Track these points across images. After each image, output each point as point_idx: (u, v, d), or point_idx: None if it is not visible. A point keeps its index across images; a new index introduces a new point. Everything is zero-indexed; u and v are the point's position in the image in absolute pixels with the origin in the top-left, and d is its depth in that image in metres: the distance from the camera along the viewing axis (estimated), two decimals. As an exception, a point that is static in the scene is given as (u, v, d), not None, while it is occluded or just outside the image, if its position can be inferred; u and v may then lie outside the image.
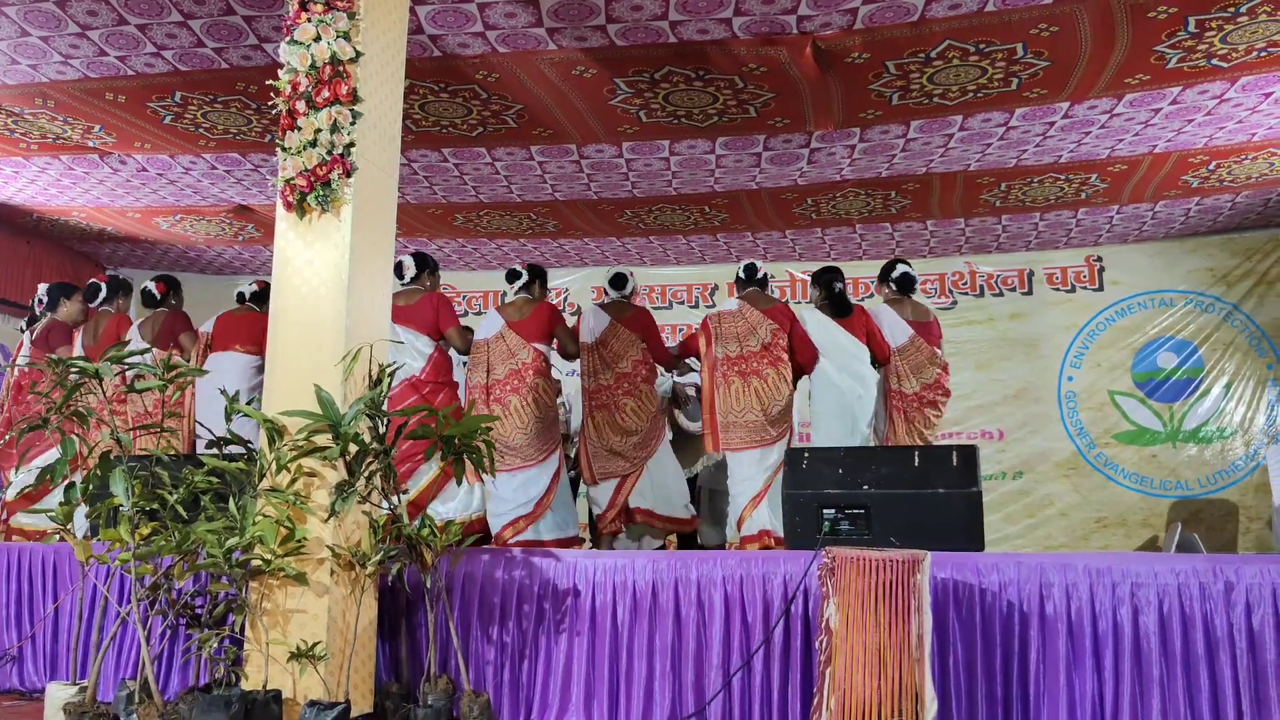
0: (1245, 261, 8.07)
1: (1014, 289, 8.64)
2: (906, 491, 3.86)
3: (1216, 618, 3.31)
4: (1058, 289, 8.54)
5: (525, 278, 5.73)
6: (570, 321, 5.83)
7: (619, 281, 5.85)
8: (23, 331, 6.54)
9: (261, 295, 6.08)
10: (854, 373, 5.60)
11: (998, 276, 8.68)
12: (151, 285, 6.24)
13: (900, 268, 5.96)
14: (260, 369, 5.23)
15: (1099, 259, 8.47)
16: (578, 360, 5.72)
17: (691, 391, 6.70)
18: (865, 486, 3.90)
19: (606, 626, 3.77)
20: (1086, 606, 3.40)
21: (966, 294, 8.72)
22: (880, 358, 5.73)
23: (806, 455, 4.16)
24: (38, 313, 6.44)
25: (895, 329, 5.76)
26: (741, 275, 5.87)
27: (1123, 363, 8.29)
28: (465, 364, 5.77)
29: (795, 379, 5.61)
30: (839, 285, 5.83)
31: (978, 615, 3.45)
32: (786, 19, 4.66)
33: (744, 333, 5.54)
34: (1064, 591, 3.42)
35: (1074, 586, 3.42)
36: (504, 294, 5.87)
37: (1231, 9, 4.53)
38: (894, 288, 5.95)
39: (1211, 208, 7.50)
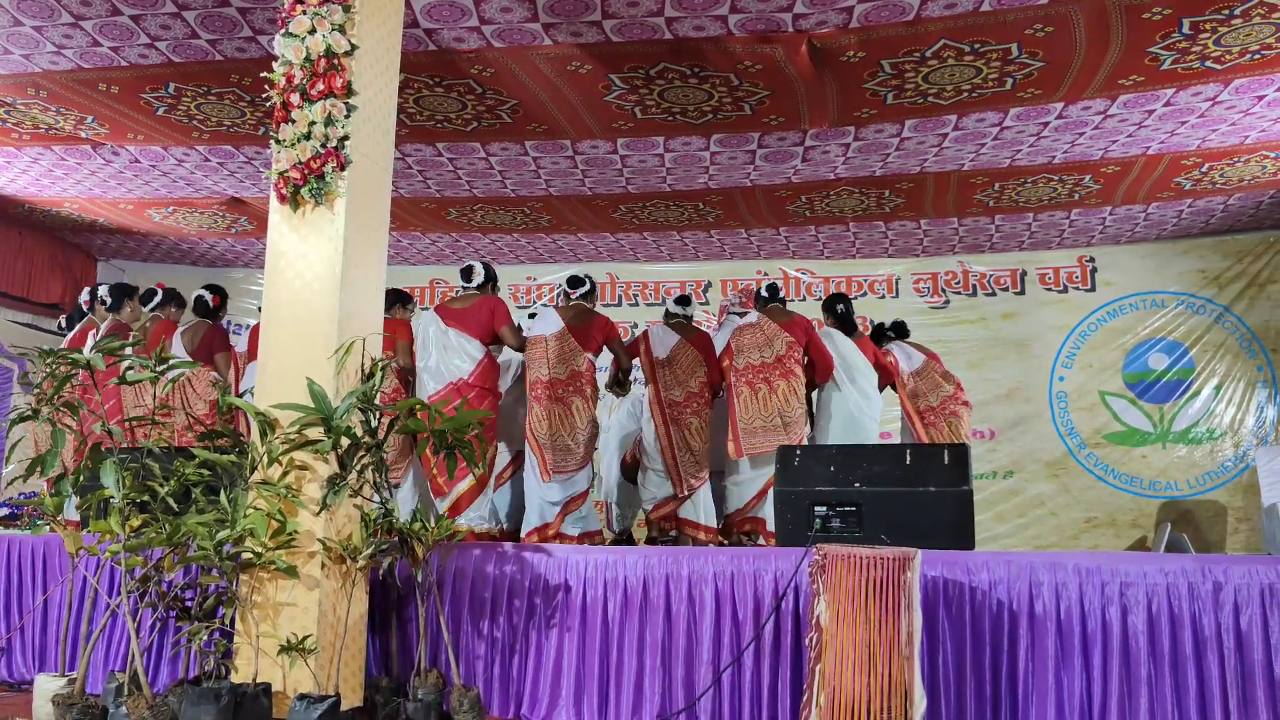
0: (1237, 264, 8.11)
1: (1007, 289, 8.66)
2: (898, 489, 3.87)
3: (1204, 618, 3.33)
4: (1050, 289, 8.57)
5: (587, 286, 5.94)
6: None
7: (684, 301, 6.27)
8: (61, 330, 6.55)
9: None
10: (861, 388, 6.04)
11: (990, 276, 8.70)
12: (207, 295, 6.26)
13: (897, 323, 6.89)
14: None
15: (1091, 260, 8.50)
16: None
17: None
18: (857, 484, 3.91)
19: (597, 622, 3.78)
20: (1075, 606, 3.41)
21: (959, 293, 8.74)
22: (885, 381, 6.36)
23: (798, 453, 4.17)
24: (92, 310, 6.43)
25: (911, 356, 6.51)
26: (764, 294, 6.19)
27: (1114, 363, 8.32)
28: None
29: (809, 392, 5.98)
30: (840, 307, 6.37)
31: (967, 613, 3.46)
32: (782, 17, 4.66)
33: (761, 344, 5.80)
34: (1053, 590, 3.43)
35: (1063, 586, 3.43)
36: (558, 293, 6.15)
37: (1225, 11, 4.54)
38: (894, 335, 6.80)
39: (1204, 210, 7.53)
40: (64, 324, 6.75)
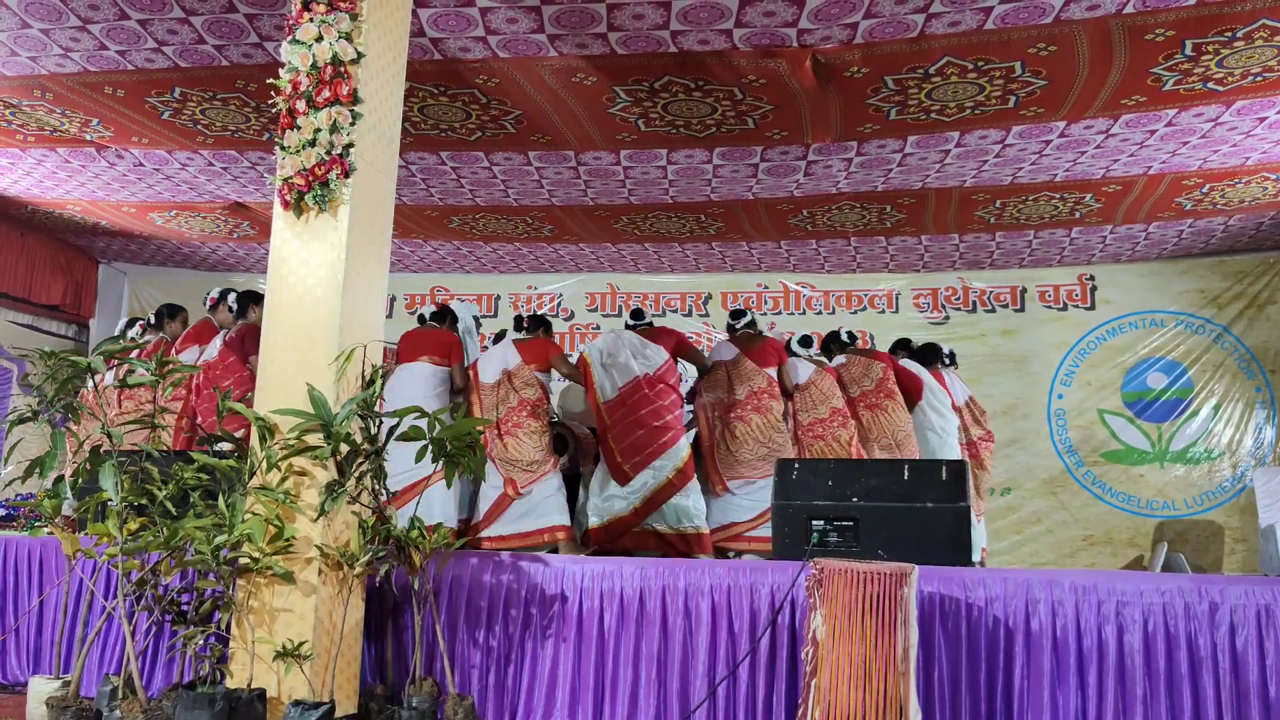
0: (1236, 284, 8.12)
1: (1006, 305, 8.68)
2: (895, 505, 3.88)
3: (1200, 638, 3.33)
4: (1050, 306, 8.58)
5: (749, 316, 6.51)
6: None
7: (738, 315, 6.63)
8: (143, 336, 6.58)
9: (440, 314, 6.35)
10: (939, 411, 6.62)
11: (990, 292, 8.71)
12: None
13: (945, 347, 7.24)
14: (444, 379, 5.86)
15: (1091, 278, 8.51)
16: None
17: None
18: (854, 499, 3.91)
19: (593, 633, 3.77)
20: (1072, 623, 3.41)
21: (959, 309, 8.76)
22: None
23: (796, 466, 4.17)
24: (220, 319, 6.38)
25: (959, 386, 6.98)
26: (845, 339, 6.91)
27: (1113, 382, 8.33)
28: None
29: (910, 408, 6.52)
30: (907, 341, 7.27)
31: (964, 630, 3.46)
32: (787, 32, 4.68)
33: (859, 375, 6.45)
34: (1050, 608, 3.43)
35: (1060, 603, 3.43)
36: (627, 319, 6.51)
37: (1228, 33, 4.56)
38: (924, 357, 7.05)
39: (1204, 230, 7.55)
40: (151, 323, 6.78)
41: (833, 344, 6.92)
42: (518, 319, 6.54)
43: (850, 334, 7.04)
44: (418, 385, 5.68)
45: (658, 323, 8.01)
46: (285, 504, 3.37)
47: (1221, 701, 3.26)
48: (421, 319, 6.37)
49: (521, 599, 3.86)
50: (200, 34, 4.90)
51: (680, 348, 6.18)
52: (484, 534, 5.69)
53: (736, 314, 6.55)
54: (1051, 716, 3.35)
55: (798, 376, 6.29)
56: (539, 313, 6.96)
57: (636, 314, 6.45)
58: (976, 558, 6.50)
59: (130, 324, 7.06)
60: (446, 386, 5.86)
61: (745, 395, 6.03)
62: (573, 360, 6.27)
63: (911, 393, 6.51)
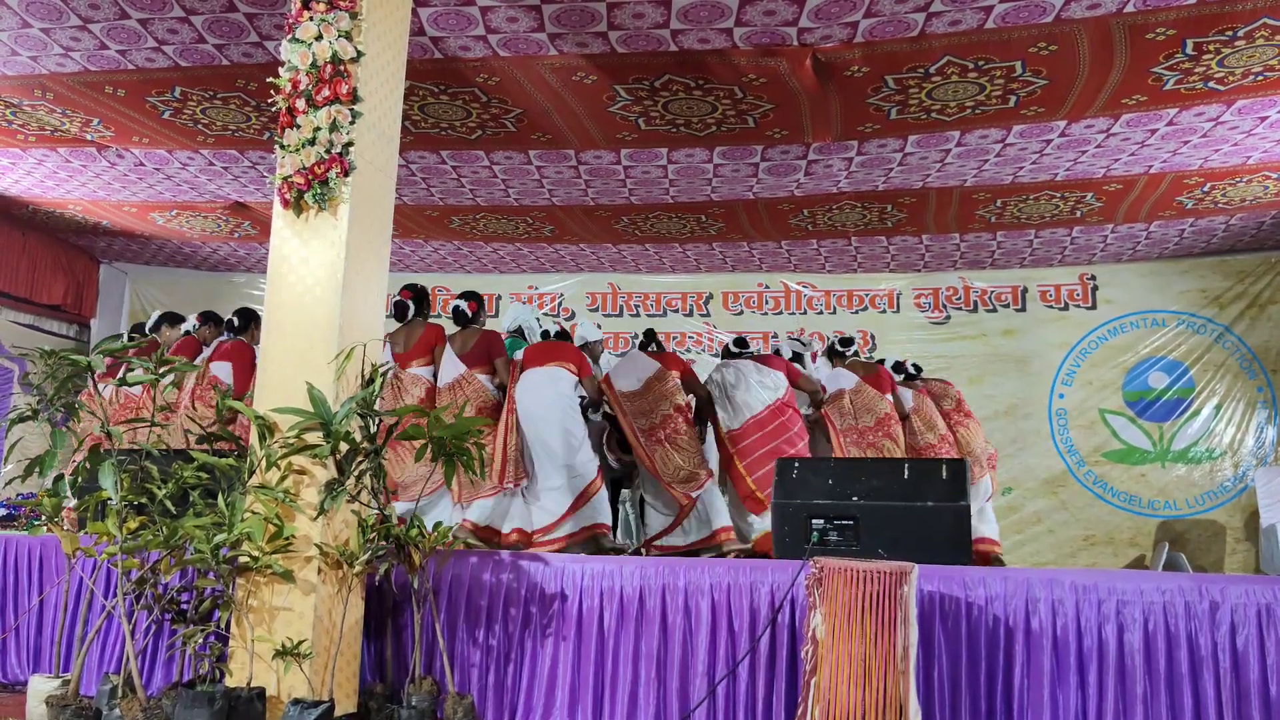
0: (1238, 284, 8.12)
1: (1007, 305, 8.67)
2: (895, 504, 3.87)
3: (1201, 637, 3.32)
4: (1051, 306, 8.58)
5: (857, 343, 6.87)
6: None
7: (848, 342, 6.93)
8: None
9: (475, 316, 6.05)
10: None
11: (991, 292, 8.71)
12: (463, 304, 5.91)
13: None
14: (575, 386, 5.68)
15: (1093, 277, 8.51)
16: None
17: None
18: (854, 498, 3.91)
19: (593, 632, 3.77)
20: (1072, 623, 3.40)
21: (960, 309, 8.75)
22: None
23: (796, 465, 4.17)
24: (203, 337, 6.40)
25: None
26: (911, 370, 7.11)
27: (1114, 381, 8.32)
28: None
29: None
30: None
31: (963, 629, 3.46)
32: (787, 31, 4.68)
33: (940, 394, 6.84)
34: (1050, 607, 3.43)
35: (1060, 602, 3.43)
36: (727, 346, 6.68)
37: (1229, 32, 4.56)
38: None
39: (1205, 229, 7.54)
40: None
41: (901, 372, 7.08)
42: (649, 333, 6.53)
43: (916, 365, 7.27)
44: (559, 385, 5.56)
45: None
46: (285, 503, 3.37)
47: (1222, 700, 3.26)
48: (459, 316, 5.99)
49: (521, 598, 3.86)
50: (200, 33, 4.90)
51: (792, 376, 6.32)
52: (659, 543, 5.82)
53: (846, 341, 6.80)
54: (1052, 715, 3.35)
55: (906, 401, 6.53)
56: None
57: (740, 343, 6.53)
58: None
59: (137, 328, 7.09)
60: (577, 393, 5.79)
61: (874, 423, 6.25)
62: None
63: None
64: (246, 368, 5.84)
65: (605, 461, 6.19)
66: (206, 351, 6.16)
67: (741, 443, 5.95)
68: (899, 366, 7.05)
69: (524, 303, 8.21)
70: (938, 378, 7.47)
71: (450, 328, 5.87)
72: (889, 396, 6.46)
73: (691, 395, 6.11)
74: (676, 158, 6.32)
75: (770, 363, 6.23)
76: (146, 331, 6.87)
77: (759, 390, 6.01)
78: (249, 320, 6.27)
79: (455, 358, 5.57)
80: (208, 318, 6.60)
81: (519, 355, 5.81)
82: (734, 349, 6.48)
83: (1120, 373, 8.32)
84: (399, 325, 5.73)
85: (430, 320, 5.85)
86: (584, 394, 5.78)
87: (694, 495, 5.59)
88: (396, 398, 5.46)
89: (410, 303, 5.77)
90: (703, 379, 6.27)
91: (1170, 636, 3.34)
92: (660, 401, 5.79)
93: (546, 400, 5.44)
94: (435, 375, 5.60)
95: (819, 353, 7.40)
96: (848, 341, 6.84)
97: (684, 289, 9.26)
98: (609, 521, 5.60)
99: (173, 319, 6.86)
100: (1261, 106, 5.35)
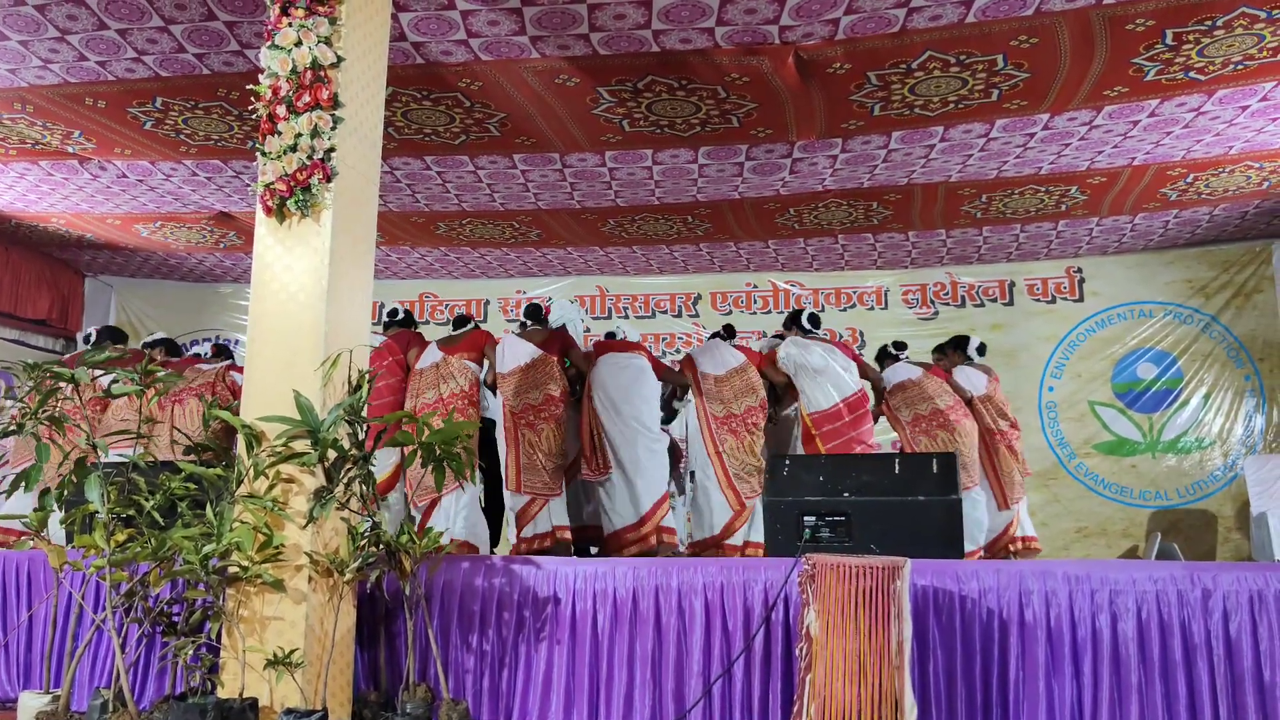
0: (1223, 273, 8.16)
1: (995, 299, 8.70)
2: (886, 499, 3.87)
3: (1194, 625, 3.33)
4: (1038, 300, 8.61)
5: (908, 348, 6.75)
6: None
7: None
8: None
9: (535, 312, 6.26)
10: None
11: (979, 287, 8.73)
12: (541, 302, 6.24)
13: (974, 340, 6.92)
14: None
15: (1079, 270, 8.54)
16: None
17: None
18: (845, 494, 3.91)
19: (587, 634, 3.76)
20: (1065, 613, 3.41)
21: (948, 304, 8.77)
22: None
23: (787, 462, 4.17)
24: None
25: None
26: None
27: (1103, 373, 8.35)
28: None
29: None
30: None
31: (958, 622, 3.46)
32: (769, 29, 4.68)
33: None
34: (1043, 599, 3.43)
35: (1053, 594, 3.43)
36: (616, 330, 6.49)
37: (1208, 22, 4.57)
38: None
39: (1190, 220, 7.57)
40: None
41: (951, 351, 6.95)
42: (728, 328, 6.58)
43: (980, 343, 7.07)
44: (647, 374, 5.85)
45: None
46: (273, 512, 3.35)
47: (1216, 688, 3.27)
48: (535, 311, 6.25)
49: (514, 602, 3.85)
50: (180, 43, 4.87)
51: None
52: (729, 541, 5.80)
53: (899, 345, 6.71)
54: (1047, 707, 3.35)
55: (974, 389, 6.42)
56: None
57: (814, 319, 6.42)
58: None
59: (93, 336, 6.93)
60: None
61: (946, 407, 6.16)
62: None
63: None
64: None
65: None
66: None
67: (823, 427, 5.93)
68: (959, 342, 6.89)
69: (570, 301, 8.18)
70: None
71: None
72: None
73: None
74: (661, 159, 6.32)
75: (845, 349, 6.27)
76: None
77: (843, 375, 6.01)
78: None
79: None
80: (162, 343, 6.71)
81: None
82: (808, 326, 6.35)
83: (1109, 364, 8.35)
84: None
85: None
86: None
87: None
88: (438, 382, 5.68)
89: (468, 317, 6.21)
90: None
91: (1164, 625, 3.34)
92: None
93: (627, 382, 5.74)
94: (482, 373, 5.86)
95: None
96: (901, 345, 6.73)
97: (672, 290, 9.26)
98: None
99: (170, 347, 6.91)
100: (1242, 96, 5.36)
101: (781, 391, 6.18)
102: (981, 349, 6.82)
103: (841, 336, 6.99)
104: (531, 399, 5.63)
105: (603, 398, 5.70)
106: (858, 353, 6.78)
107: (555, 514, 5.58)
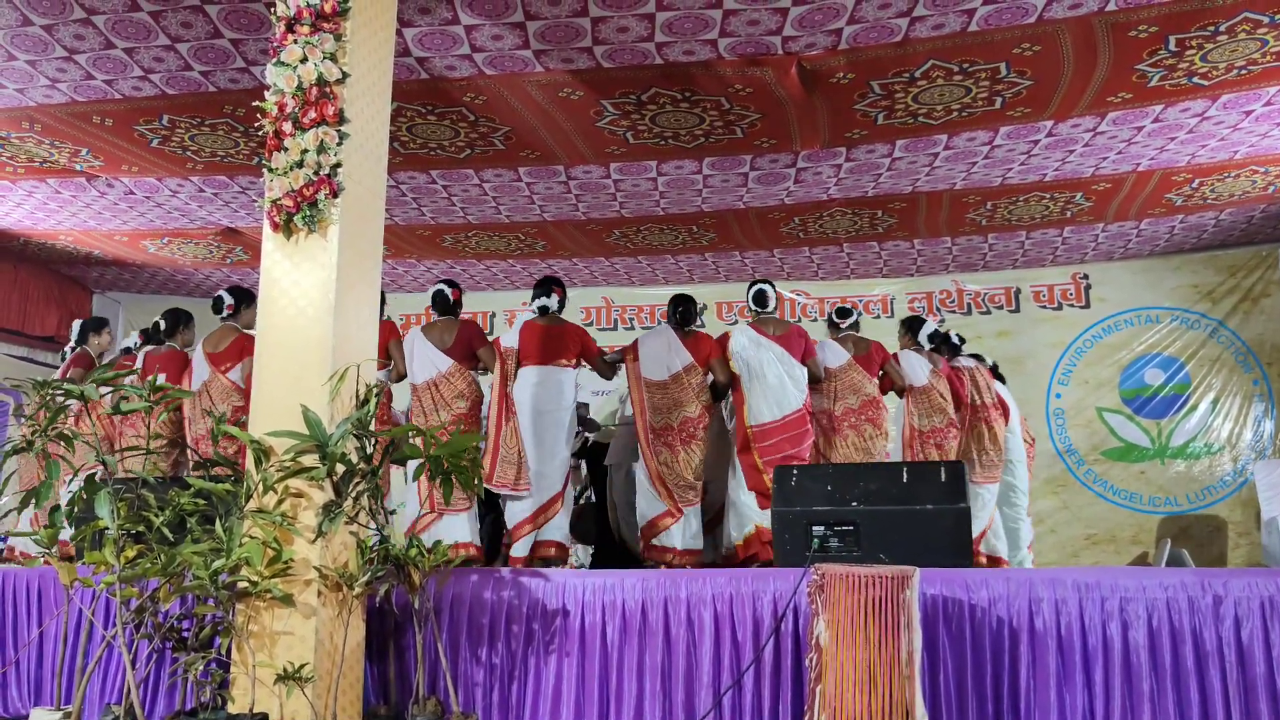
0: (1230, 278, 8.14)
1: (1001, 307, 8.69)
2: (895, 508, 3.86)
3: (1205, 632, 3.31)
4: (1045, 306, 8.60)
5: (854, 316, 6.22)
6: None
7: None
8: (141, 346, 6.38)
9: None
10: None
11: (985, 295, 8.72)
12: (446, 289, 5.57)
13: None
14: None
15: (1085, 276, 8.52)
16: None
17: None
18: (854, 503, 3.90)
19: (596, 646, 3.75)
20: (1076, 622, 3.39)
21: (954, 312, 8.76)
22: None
23: (795, 473, 4.16)
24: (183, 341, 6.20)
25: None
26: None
27: (1110, 379, 8.33)
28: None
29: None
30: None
31: (968, 631, 3.44)
32: (772, 40, 4.69)
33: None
34: (1053, 607, 3.42)
35: (1063, 602, 3.42)
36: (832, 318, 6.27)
37: (1210, 28, 4.58)
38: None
39: (1195, 225, 7.56)
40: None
41: (903, 333, 6.52)
42: (686, 303, 5.97)
43: (960, 337, 6.74)
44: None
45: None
46: (283, 526, 3.36)
47: (1229, 695, 3.25)
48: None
49: (523, 615, 3.84)
50: (186, 60, 4.91)
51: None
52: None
53: (843, 313, 6.13)
54: (1059, 715, 3.33)
55: (915, 378, 6.07)
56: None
57: (843, 313, 6.13)
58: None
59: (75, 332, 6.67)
60: None
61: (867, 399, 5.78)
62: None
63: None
64: (176, 378, 5.61)
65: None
66: (137, 365, 5.85)
67: (763, 440, 5.60)
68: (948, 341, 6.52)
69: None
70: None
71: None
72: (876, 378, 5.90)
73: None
74: (666, 170, 6.33)
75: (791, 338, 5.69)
76: (72, 346, 6.49)
77: (786, 384, 5.50)
78: (177, 323, 6.01)
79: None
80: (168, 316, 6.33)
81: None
82: (836, 318, 6.12)
83: (1116, 370, 8.33)
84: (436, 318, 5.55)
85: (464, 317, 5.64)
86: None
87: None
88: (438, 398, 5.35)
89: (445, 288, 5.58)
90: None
91: (1175, 632, 3.33)
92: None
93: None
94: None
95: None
96: (844, 313, 6.15)
97: (678, 300, 9.24)
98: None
99: (97, 325, 6.47)
100: (1246, 100, 5.36)
101: (723, 391, 5.61)
102: (995, 370, 6.65)
103: (851, 310, 6.29)
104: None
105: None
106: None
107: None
